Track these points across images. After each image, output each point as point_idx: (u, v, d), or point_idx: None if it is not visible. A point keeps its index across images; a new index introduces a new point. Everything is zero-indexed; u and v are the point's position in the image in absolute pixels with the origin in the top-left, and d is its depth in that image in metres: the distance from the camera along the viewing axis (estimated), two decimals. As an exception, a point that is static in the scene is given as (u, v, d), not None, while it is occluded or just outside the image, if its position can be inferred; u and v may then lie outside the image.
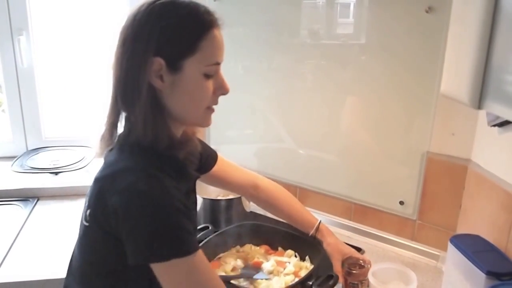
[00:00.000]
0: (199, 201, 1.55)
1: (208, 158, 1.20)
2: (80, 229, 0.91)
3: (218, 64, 0.87)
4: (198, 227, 1.39)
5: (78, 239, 0.92)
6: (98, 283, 0.88)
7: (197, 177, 1.03)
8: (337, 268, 1.19)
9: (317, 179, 1.65)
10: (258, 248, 1.36)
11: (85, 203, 0.89)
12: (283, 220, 1.34)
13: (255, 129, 1.81)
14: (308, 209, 1.67)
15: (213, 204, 1.56)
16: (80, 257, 0.91)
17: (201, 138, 1.99)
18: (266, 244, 1.37)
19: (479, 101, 0.87)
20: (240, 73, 1.78)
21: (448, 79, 1.02)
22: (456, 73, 0.96)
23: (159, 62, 0.82)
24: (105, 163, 0.90)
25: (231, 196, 1.57)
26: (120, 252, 0.79)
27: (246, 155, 1.82)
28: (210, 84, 0.87)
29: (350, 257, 1.20)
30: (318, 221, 1.28)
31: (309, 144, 1.67)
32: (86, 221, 0.86)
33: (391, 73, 1.40)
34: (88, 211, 0.86)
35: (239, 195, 1.47)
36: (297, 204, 1.33)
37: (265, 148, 1.79)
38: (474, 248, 1.10)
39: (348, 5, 1.49)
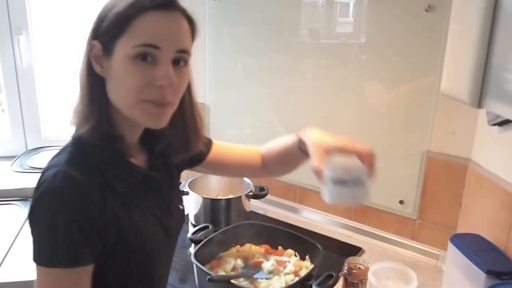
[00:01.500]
0: (199, 200, 1.55)
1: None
2: None
3: (154, 47, 0.75)
4: (198, 227, 1.38)
5: None
6: None
7: (149, 175, 0.89)
8: (314, 162, 0.88)
9: (317, 178, 1.65)
10: (258, 247, 1.36)
11: None
12: (291, 168, 1.09)
13: (254, 128, 1.81)
14: (308, 208, 1.68)
15: (213, 204, 1.56)
16: None
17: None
18: (266, 243, 1.37)
19: (479, 100, 0.86)
20: (240, 72, 1.78)
21: (448, 78, 1.02)
22: (456, 72, 0.96)
23: (97, 47, 0.78)
24: None
25: (231, 196, 1.57)
26: None
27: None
28: (143, 71, 0.76)
29: (352, 258, 1.19)
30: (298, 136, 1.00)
31: (309, 143, 1.66)
32: None
33: (391, 72, 1.40)
34: None
35: (247, 177, 1.21)
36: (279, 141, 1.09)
37: (265, 148, 1.79)
38: (474, 247, 1.10)
39: (347, 4, 1.49)
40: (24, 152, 1.98)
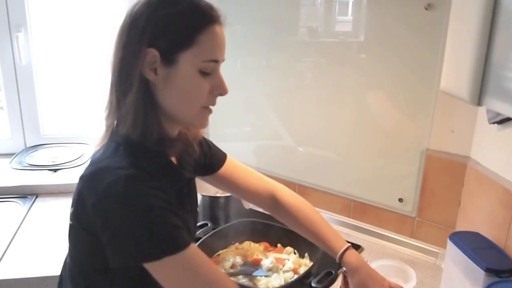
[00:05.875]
0: (198, 197, 1.55)
1: (213, 158, 1.12)
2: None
3: (216, 61, 0.82)
4: (197, 224, 1.39)
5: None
6: (82, 281, 0.86)
7: (191, 179, 0.95)
8: None
9: (316, 176, 1.65)
10: (257, 245, 1.36)
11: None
12: (307, 238, 1.15)
13: (253, 126, 1.81)
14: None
15: (212, 201, 1.56)
16: (68, 254, 0.91)
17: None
18: (265, 241, 1.37)
19: (479, 98, 0.86)
20: (239, 71, 1.78)
21: (448, 76, 1.01)
22: (455, 70, 0.96)
23: (153, 54, 0.78)
24: (91, 160, 0.87)
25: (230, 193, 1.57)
26: (102, 252, 0.77)
27: (244, 153, 1.82)
28: (206, 82, 0.82)
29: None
30: (345, 247, 1.07)
31: (307, 141, 1.66)
32: (71, 219, 0.85)
33: (390, 70, 1.40)
34: (72, 210, 0.84)
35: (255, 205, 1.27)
36: (323, 224, 1.12)
37: (264, 146, 1.79)
38: (473, 245, 1.10)
39: (346, 2, 1.49)
40: (23, 150, 1.98)
